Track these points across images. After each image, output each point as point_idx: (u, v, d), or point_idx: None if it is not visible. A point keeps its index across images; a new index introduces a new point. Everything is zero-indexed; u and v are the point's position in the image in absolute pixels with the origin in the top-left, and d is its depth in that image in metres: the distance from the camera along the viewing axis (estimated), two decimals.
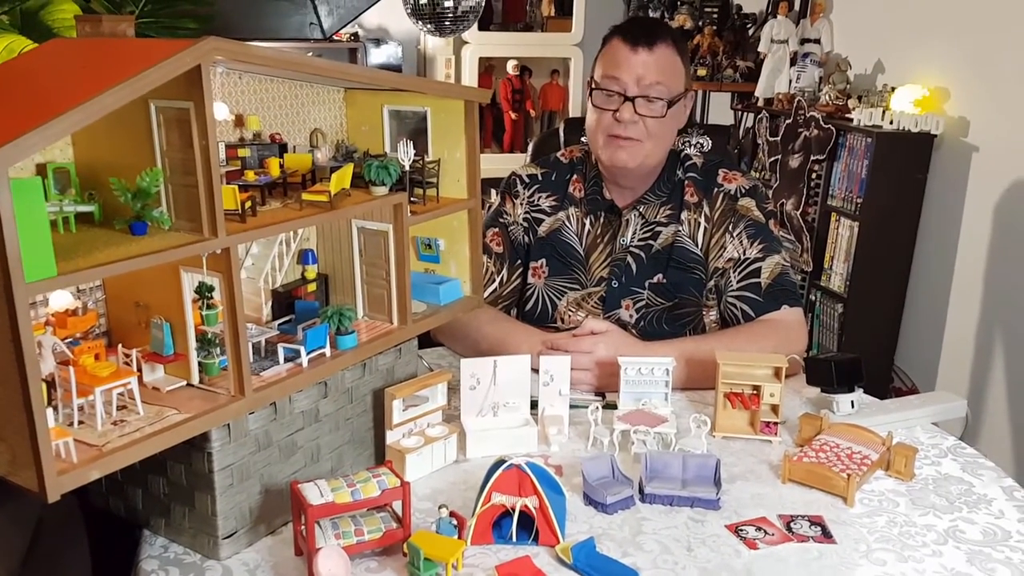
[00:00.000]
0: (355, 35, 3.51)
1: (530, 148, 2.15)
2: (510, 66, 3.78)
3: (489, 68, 3.82)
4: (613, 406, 1.31)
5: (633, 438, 1.19)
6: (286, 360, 1.02)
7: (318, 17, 2.62)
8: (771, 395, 1.26)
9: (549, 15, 3.83)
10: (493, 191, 1.74)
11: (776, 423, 1.27)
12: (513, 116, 3.82)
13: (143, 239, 0.87)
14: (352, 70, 1.14)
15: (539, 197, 1.66)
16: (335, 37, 3.30)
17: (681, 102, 1.55)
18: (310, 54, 3.36)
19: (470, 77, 3.67)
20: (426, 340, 1.49)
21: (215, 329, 0.93)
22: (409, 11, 2.57)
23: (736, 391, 1.28)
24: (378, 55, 3.61)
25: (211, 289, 0.90)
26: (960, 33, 2.65)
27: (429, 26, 2.54)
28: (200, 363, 0.93)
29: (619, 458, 1.17)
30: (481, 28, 3.63)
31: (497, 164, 3.64)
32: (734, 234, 1.57)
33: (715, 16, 3.70)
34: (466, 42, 3.65)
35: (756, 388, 1.27)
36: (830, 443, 1.20)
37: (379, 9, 3.25)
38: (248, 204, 0.96)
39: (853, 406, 1.32)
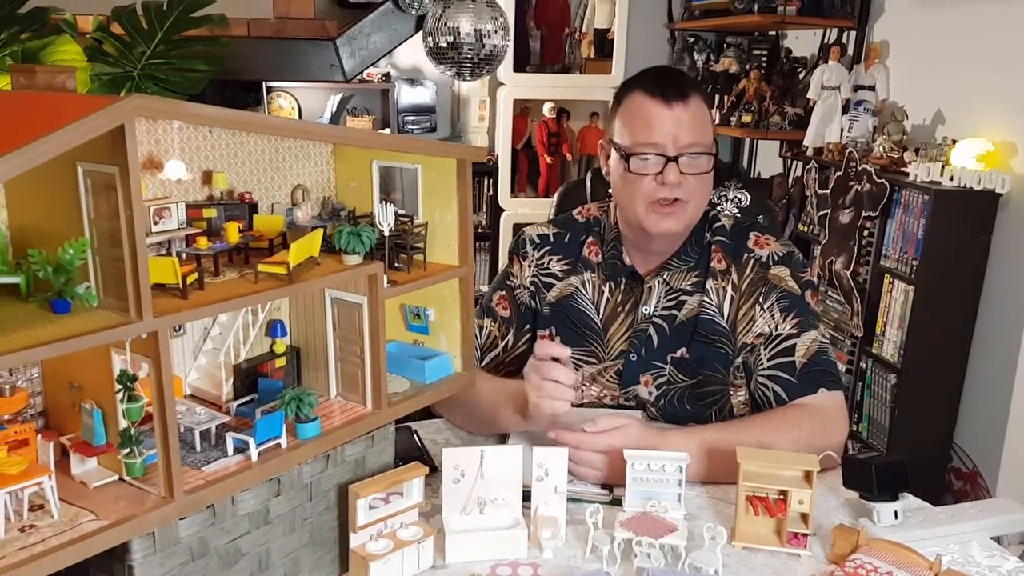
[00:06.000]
0: (387, 75, 3.45)
1: (554, 198, 2.02)
2: (546, 108, 3.67)
3: (525, 110, 3.71)
4: (619, 502, 1.16)
5: (636, 549, 1.04)
6: (236, 451, 0.91)
7: (339, 59, 2.56)
8: (800, 502, 1.10)
9: (588, 57, 3.73)
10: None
11: (806, 534, 1.10)
12: (548, 160, 3.71)
13: (64, 319, 0.77)
14: (307, 127, 1.03)
15: (549, 260, 1.52)
16: (366, 77, 3.24)
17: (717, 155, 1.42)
18: (340, 95, 3.33)
19: (504, 119, 3.57)
20: (426, 410, 1.36)
21: (149, 409, 0.82)
22: (429, 54, 2.49)
23: (760, 495, 1.12)
24: (411, 95, 3.54)
25: (133, 378, 0.78)
26: None
27: (451, 70, 2.45)
28: (123, 462, 0.81)
29: (619, 572, 1.02)
30: (517, 69, 3.54)
31: (532, 209, 3.54)
32: (765, 306, 1.41)
33: (764, 60, 3.55)
34: (501, 83, 3.57)
35: (783, 493, 1.10)
36: (867, 565, 1.03)
37: (413, 49, 3.18)
38: (193, 277, 0.85)
39: (897, 517, 1.14)
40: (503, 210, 3.68)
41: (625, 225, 1.47)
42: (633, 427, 1.24)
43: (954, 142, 2.56)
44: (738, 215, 1.76)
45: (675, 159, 1.34)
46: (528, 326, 1.52)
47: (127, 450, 0.80)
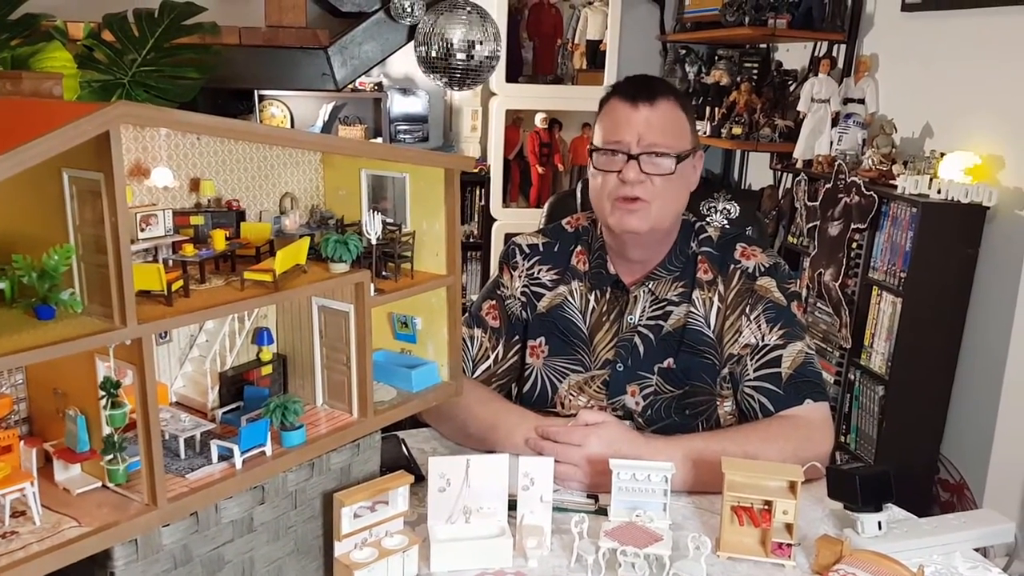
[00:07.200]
0: (379, 84, 3.46)
1: (545, 208, 2.03)
2: (538, 119, 3.69)
3: (517, 120, 3.73)
4: (604, 511, 1.16)
5: (621, 559, 1.04)
6: (220, 459, 0.90)
7: (331, 68, 2.56)
8: (784, 512, 1.10)
9: (580, 68, 3.74)
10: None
11: (790, 544, 1.10)
12: (540, 170, 3.72)
13: (48, 325, 0.77)
14: (294, 136, 1.03)
15: (539, 270, 1.53)
16: (358, 86, 3.24)
17: (690, 160, 1.42)
18: (332, 104, 3.33)
19: (497, 129, 3.58)
20: (414, 419, 1.36)
21: (133, 415, 0.82)
22: (420, 63, 2.50)
23: (744, 505, 1.12)
24: (403, 104, 3.54)
25: (117, 385, 0.78)
26: (1016, 97, 2.47)
27: (443, 79, 2.45)
28: (105, 469, 0.81)
29: None
30: (509, 80, 3.55)
31: (524, 219, 3.54)
32: (751, 317, 1.42)
33: (755, 72, 3.57)
34: (494, 93, 3.58)
35: (768, 503, 1.11)
36: (851, 575, 1.03)
37: (406, 59, 3.19)
38: (178, 284, 0.85)
39: (881, 527, 1.15)
40: (495, 220, 3.69)
41: (606, 232, 1.48)
42: (614, 427, 1.25)
43: (942, 155, 2.58)
44: (727, 226, 1.77)
45: (636, 157, 1.36)
46: (517, 337, 1.53)
47: (110, 457, 0.80)
